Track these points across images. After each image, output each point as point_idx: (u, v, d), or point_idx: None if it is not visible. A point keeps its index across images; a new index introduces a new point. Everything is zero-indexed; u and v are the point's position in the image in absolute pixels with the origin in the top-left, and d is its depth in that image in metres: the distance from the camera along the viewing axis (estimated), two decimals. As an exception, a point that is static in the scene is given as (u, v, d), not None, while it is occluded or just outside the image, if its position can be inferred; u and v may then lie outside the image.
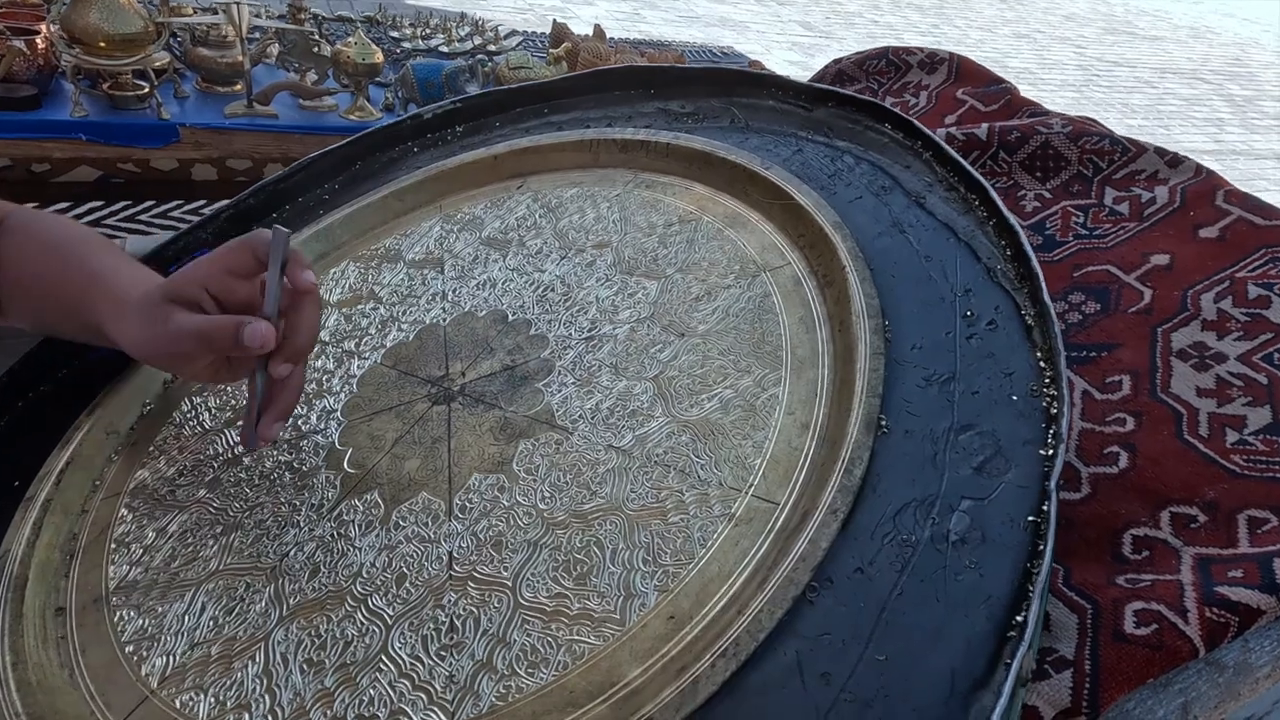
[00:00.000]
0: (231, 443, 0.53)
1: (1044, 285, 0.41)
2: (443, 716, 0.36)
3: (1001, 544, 0.33)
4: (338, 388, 0.55)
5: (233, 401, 0.57)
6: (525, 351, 0.54)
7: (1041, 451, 0.36)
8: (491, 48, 2.05)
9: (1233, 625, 0.36)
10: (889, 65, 0.80)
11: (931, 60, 0.77)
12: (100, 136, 1.35)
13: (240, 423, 0.51)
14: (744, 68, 2.71)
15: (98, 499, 0.52)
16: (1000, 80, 0.73)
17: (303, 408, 0.54)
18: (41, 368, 0.61)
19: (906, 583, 0.33)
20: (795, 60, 5.67)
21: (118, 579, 0.47)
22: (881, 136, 0.58)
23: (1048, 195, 0.60)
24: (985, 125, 0.64)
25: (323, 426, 0.52)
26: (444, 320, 0.58)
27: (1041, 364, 0.39)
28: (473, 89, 1.65)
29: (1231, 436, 0.44)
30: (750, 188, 0.58)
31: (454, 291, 0.61)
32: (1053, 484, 0.33)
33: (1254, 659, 0.36)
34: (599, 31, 2.14)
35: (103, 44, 1.29)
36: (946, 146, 0.51)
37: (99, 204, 1.43)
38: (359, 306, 0.62)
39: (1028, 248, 0.43)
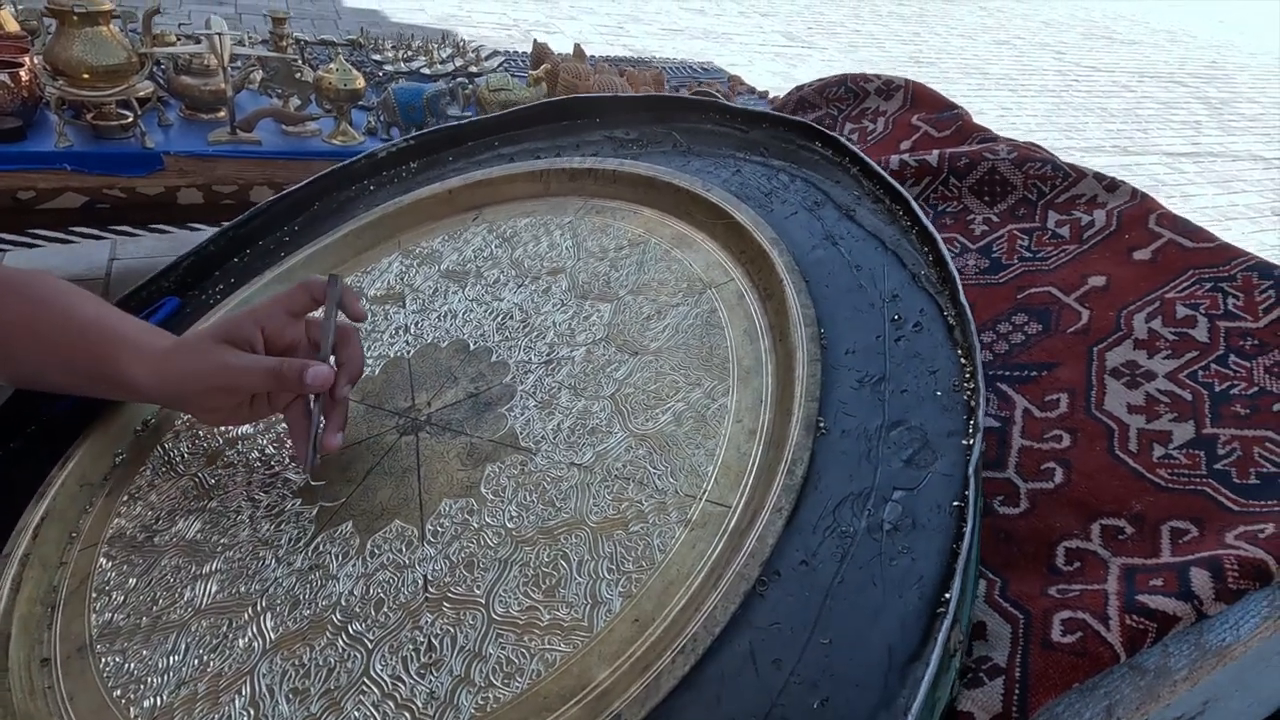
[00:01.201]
0: (209, 484, 0.55)
1: (960, 287, 0.44)
2: (425, 731, 0.38)
3: (930, 528, 0.36)
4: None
5: (204, 445, 0.58)
6: (488, 378, 0.56)
7: (964, 442, 0.39)
8: (473, 69, 2.07)
9: (1151, 632, 0.39)
10: (848, 92, 0.84)
11: (888, 87, 0.81)
12: (85, 166, 1.36)
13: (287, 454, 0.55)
14: (723, 83, 2.73)
15: (75, 550, 0.53)
16: (953, 106, 0.77)
17: (276, 448, 0.56)
18: (11, 424, 0.62)
19: (846, 571, 0.36)
20: (778, 71, 5.77)
21: (100, 626, 0.48)
22: (813, 154, 0.61)
23: (995, 219, 0.63)
24: (936, 152, 0.68)
25: (296, 465, 0.54)
26: (408, 353, 0.60)
27: (962, 360, 0.43)
28: (453, 112, 1.67)
29: (1158, 451, 0.47)
30: (694, 209, 0.62)
31: (416, 324, 0.63)
32: (971, 470, 0.36)
33: (1173, 663, 0.39)
34: (579, 51, 2.18)
35: (86, 75, 1.29)
36: (871, 161, 0.55)
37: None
38: (324, 345, 0.63)
39: (946, 254, 0.46)
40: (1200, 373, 0.49)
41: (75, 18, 1.23)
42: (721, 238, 0.59)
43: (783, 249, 0.53)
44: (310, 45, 2.01)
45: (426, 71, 1.97)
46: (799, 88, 0.88)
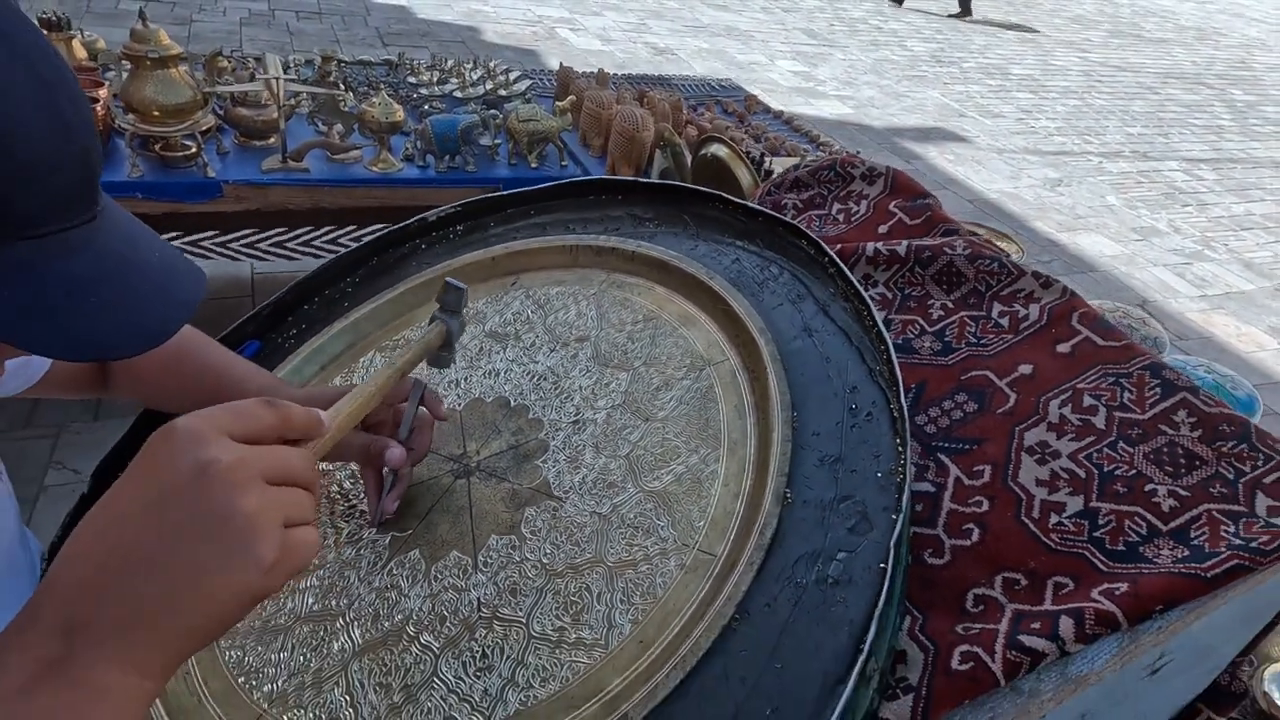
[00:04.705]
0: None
1: (902, 388, 0.56)
2: (481, 718, 0.51)
3: (862, 584, 0.49)
4: (379, 466, 0.70)
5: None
6: (526, 433, 0.69)
7: (892, 517, 0.51)
8: (502, 92, 2.22)
9: (1025, 664, 0.51)
10: (836, 175, 0.96)
11: (871, 173, 0.93)
12: (154, 194, 1.55)
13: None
14: (739, 102, 2.84)
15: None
16: (925, 195, 0.89)
17: (353, 483, 0.69)
18: (143, 439, 0.75)
19: (797, 614, 0.49)
20: (799, 70, 5.82)
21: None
22: (799, 250, 0.73)
23: (950, 305, 0.75)
24: (905, 243, 0.80)
25: (366, 515, 0.67)
26: (459, 405, 0.73)
27: (899, 449, 0.55)
28: (485, 141, 1.82)
29: (1054, 519, 0.58)
30: (698, 292, 0.74)
31: (465, 380, 0.76)
32: (892, 543, 0.49)
33: (1042, 686, 0.52)
34: (602, 76, 2.31)
35: (157, 113, 1.44)
36: (841, 264, 0.67)
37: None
38: (388, 394, 0.76)
39: (894, 357, 0.58)
40: (1095, 454, 0.61)
41: (149, 62, 1.36)
42: (720, 320, 0.71)
43: (769, 338, 0.66)
44: (348, 65, 2.14)
45: (459, 95, 2.10)
46: (795, 167, 0.99)
